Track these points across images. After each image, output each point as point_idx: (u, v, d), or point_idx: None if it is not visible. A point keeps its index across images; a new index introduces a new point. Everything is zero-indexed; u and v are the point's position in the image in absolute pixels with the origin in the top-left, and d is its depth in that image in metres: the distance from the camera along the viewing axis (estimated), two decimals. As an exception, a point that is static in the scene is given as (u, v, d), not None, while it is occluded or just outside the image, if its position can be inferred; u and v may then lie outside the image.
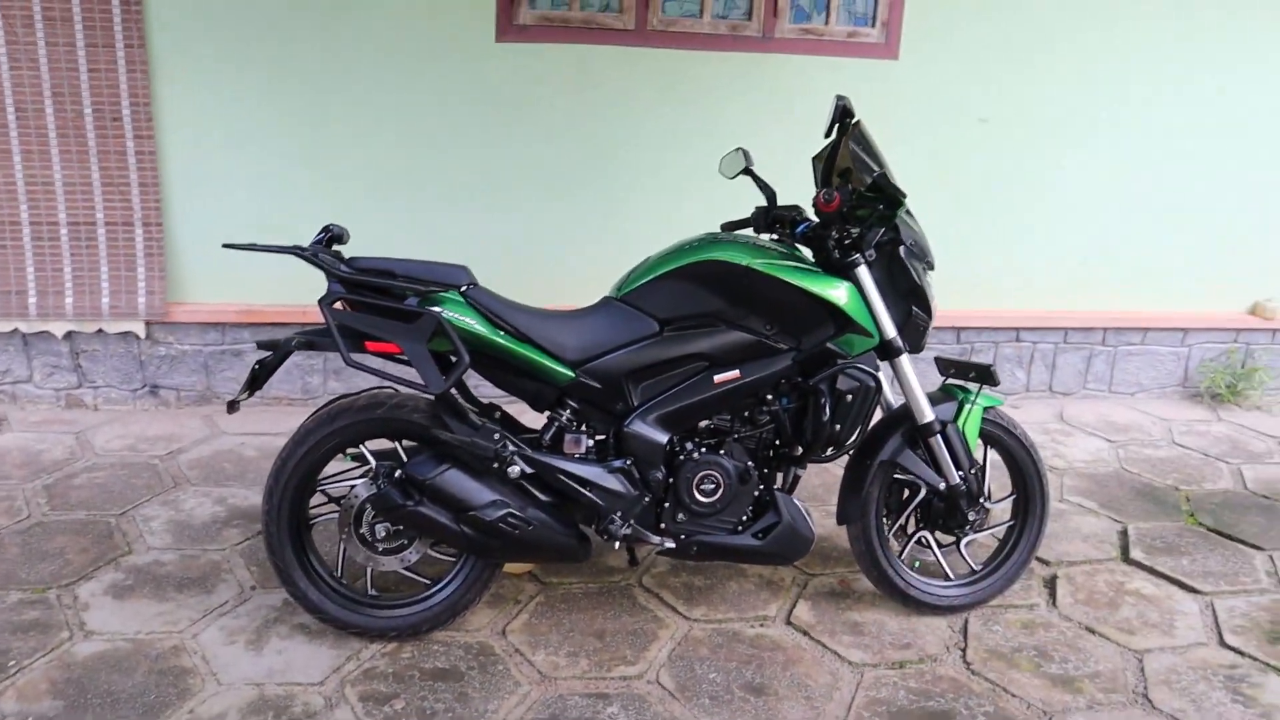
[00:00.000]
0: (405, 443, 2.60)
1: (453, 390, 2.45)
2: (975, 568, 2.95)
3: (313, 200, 4.00)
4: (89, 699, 2.38)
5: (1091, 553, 3.32)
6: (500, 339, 2.46)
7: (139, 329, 4.04)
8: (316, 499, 2.69)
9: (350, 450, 2.60)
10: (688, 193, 4.13)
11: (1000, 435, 2.87)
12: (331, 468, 2.66)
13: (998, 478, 3.00)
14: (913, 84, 4.29)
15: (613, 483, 2.53)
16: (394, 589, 2.78)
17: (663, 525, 2.62)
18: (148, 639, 2.63)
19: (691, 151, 4.09)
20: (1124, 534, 3.45)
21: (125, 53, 3.73)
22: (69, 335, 4.05)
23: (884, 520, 2.85)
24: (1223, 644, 2.80)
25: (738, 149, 2.88)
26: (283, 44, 3.90)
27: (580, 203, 4.21)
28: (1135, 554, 3.30)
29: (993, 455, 2.93)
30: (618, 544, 2.56)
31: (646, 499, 2.57)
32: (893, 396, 2.85)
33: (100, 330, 4.04)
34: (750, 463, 2.63)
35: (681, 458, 2.60)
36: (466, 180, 4.14)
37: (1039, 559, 3.23)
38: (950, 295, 4.50)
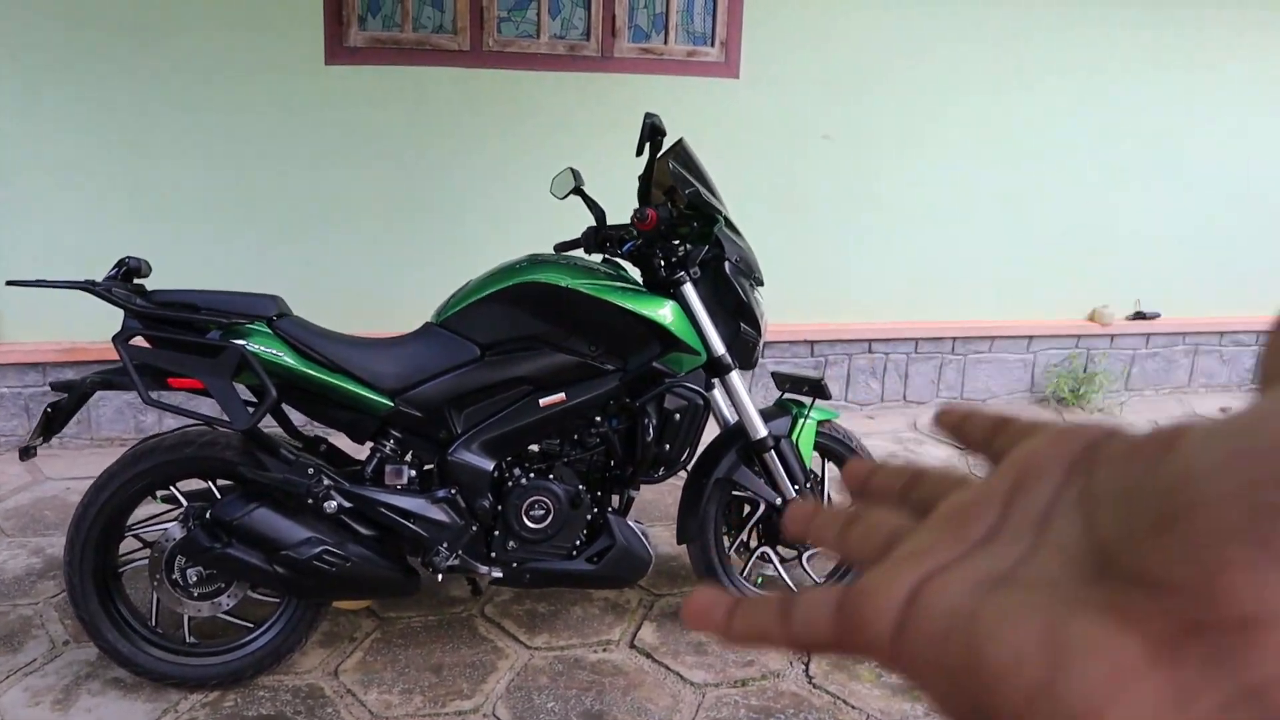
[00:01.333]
0: (221, 481, 2.49)
1: (268, 424, 2.35)
2: (818, 580, 2.97)
3: (139, 230, 3.83)
4: None
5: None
6: (311, 370, 2.37)
7: (-49, 372, 3.80)
8: (131, 544, 2.55)
9: (160, 492, 2.47)
10: (525, 214, 4.09)
11: (837, 448, 2.90)
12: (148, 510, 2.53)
13: (842, 490, 3.03)
14: (754, 102, 4.35)
15: (436, 513, 2.46)
16: (218, 635, 2.65)
17: (493, 554, 2.56)
18: (-59, 705, 2.44)
19: (530, 172, 4.06)
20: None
21: (-77, 81, 3.52)
22: (-128, 382, 3.78)
23: (725, 537, 2.85)
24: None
25: (567, 168, 2.85)
26: (102, 69, 3.73)
27: (415, 226, 4.14)
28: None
29: (831, 468, 2.96)
30: (440, 576, 2.48)
31: (474, 528, 2.51)
32: (728, 413, 2.85)
33: (-92, 375, 3.78)
34: (581, 486, 2.59)
35: (510, 484, 2.55)
36: (297, 206, 4.03)
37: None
38: (801, 309, 4.58)
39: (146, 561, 2.48)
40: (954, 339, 4.87)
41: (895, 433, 4.59)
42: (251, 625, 2.56)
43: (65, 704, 2.47)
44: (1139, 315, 5.14)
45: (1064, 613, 0.24)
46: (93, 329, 3.88)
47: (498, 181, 4.17)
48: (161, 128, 3.83)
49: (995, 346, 4.95)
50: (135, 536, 2.54)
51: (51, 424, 2.37)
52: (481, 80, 4.04)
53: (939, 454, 4.34)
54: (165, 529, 2.46)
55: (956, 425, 0.35)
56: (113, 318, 2.23)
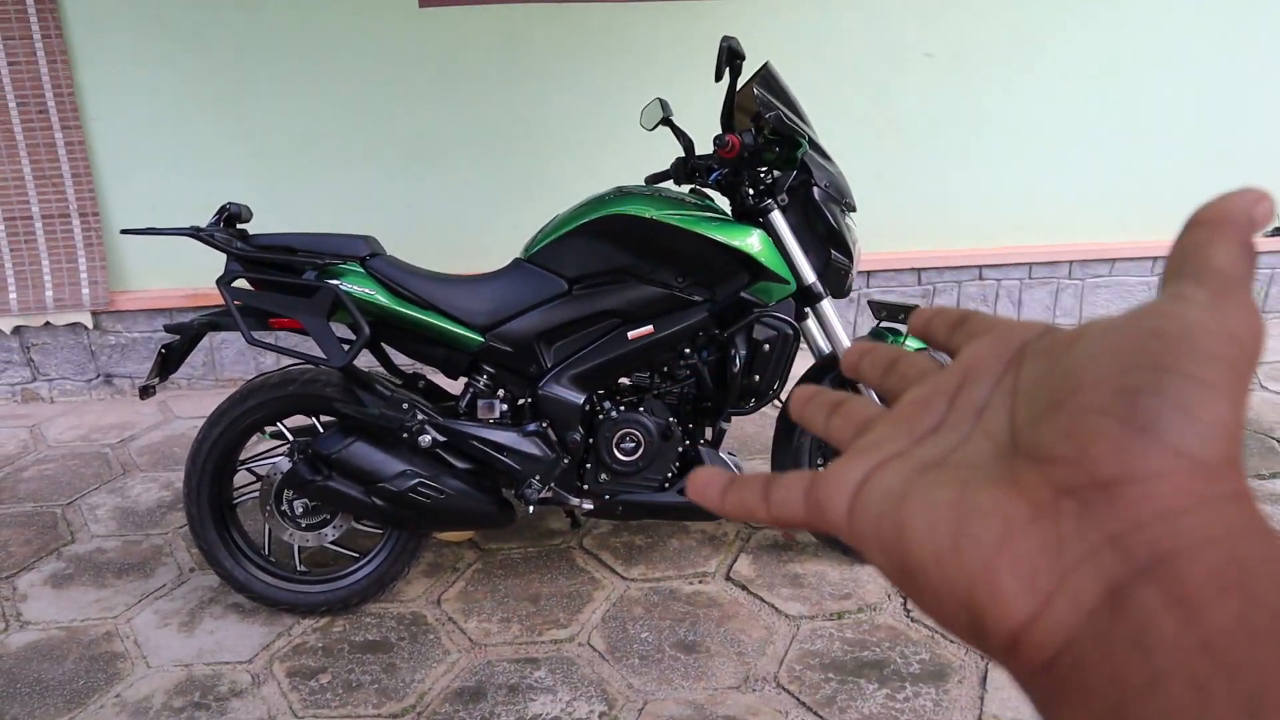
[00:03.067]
0: (325, 417, 2.58)
1: (371, 361, 2.42)
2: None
3: (245, 174, 3.96)
4: (18, 688, 2.39)
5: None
6: (403, 308, 2.42)
7: (86, 320, 4.03)
8: (246, 478, 2.68)
9: (269, 429, 2.58)
10: (615, 150, 4.06)
11: (934, 376, 2.81)
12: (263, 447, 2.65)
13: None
14: (853, 21, 4.18)
15: (528, 446, 2.49)
16: (327, 564, 2.77)
17: (585, 487, 2.59)
18: (82, 626, 2.64)
19: (622, 106, 4.01)
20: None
21: (43, 43, 3.69)
22: (17, 330, 4.04)
23: (820, 468, 2.81)
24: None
25: (656, 99, 2.81)
26: (204, 19, 3.84)
27: (507, 164, 4.15)
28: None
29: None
30: (532, 508, 2.53)
31: (566, 461, 2.54)
32: (823, 343, 2.80)
33: (48, 323, 4.03)
34: (671, 418, 2.58)
35: (600, 417, 2.57)
36: (393, 147, 4.09)
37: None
38: (909, 235, 4.44)
39: (258, 494, 2.60)
40: (1071, 262, 4.64)
41: (1007, 362, 4.43)
42: (357, 555, 2.67)
43: (190, 626, 2.63)
44: (1277, 231, 4.79)
45: (972, 486, 0.28)
46: (211, 275, 4.05)
47: (589, 117, 4.14)
48: (261, 75, 3.93)
49: (1116, 269, 4.70)
50: (248, 470, 2.67)
51: (167, 364, 2.49)
52: (572, 16, 3.99)
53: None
54: (274, 463, 2.58)
55: (924, 326, 0.40)
56: (223, 265, 2.35)
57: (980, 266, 4.56)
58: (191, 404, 4.08)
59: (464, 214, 4.17)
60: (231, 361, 4.19)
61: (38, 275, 3.94)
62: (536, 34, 4.01)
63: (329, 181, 4.07)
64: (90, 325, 4.05)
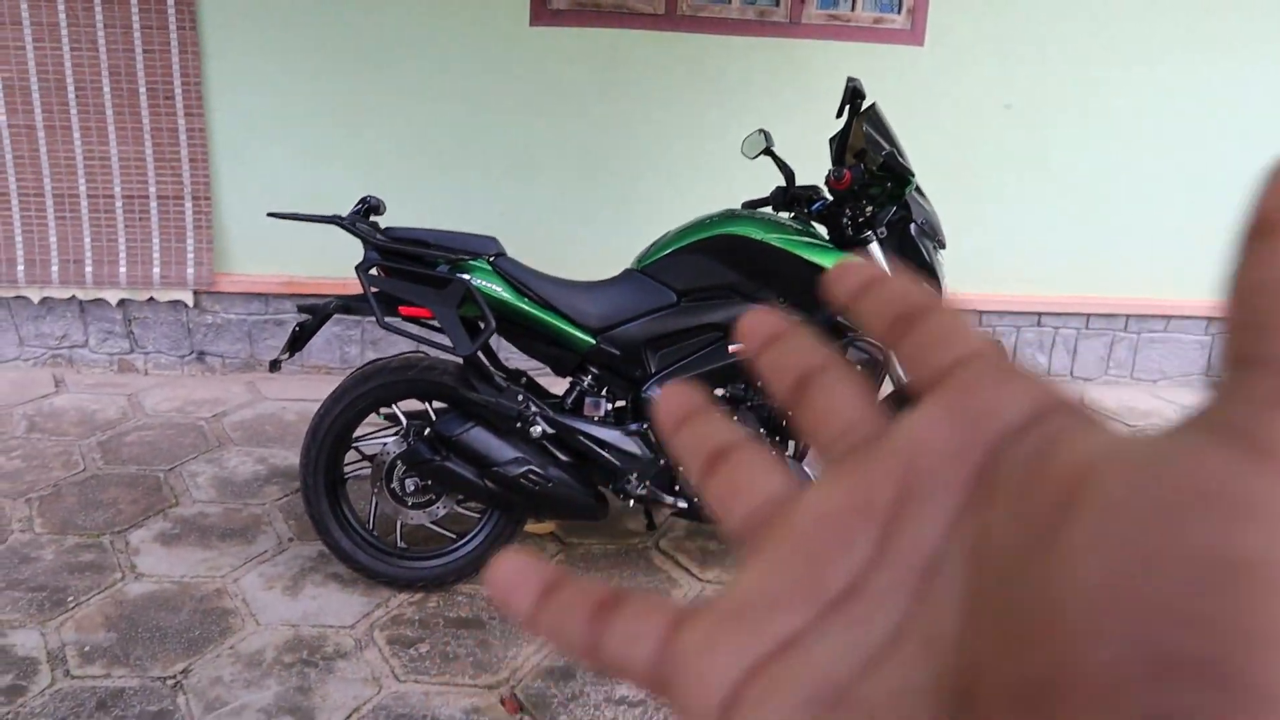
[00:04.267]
0: (435, 404, 2.75)
1: (480, 355, 2.60)
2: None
3: (352, 175, 4.16)
4: (139, 632, 2.56)
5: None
6: (525, 306, 2.60)
7: (188, 298, 4.24)
8: (351, 456, 2.85)
9: (383, 410, 2.76)
10: (710, 173, 4.24)
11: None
12: (366, 430, 2.82)
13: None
14: (937, 70, 4.36)
15: (630, 445, 2.66)
16: (422, 543, 2.94)
17: (677, 487, 2.75)
18: (193, 582, 2.81)
19: (716, 134, 4.20)
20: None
21: (178, 34, 3.92)
22: (122, 303, 4.26)
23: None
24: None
25: (759, 130, 2.99)
26: (327, 25, 4.07)
27: (607, 181, 4.35)
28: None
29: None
30: (632, 503, 2.69)
31: (663, 462, 2.70)
32: (903, 373, 2.94)
33: (151, 299, 4.24)
34: (762, 429, 2.74)
35: (696, 423, 2.72)
36: (500, 157, 4.29)
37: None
38: (972, 279, 4.58)
39: (369, 471, 2.78)
40: (1128, 316, 4.78)
41: (1061, 407, 4.56)
42: (454, 536, 2.83)
43: (294, 590, 2.80)
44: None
45: None
46: (306, 265, 4.26)
47: (682, 141, 4.33)
48: (375, 79, 4.15)
49: (1171, 326, 4.83)
50: (355, 449, 2.84)
51: (298, 341, 2.67)
52: (673, 43, 4.19)
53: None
54: (384, 443, 2.75)
55: (853, 294, 0.26)
56: (324, 256, 2.53)
57: (1039, 314, 4.71)
58: (278, 386, 4.27)
59: (554, 225, 4.36)
60: (319, 350, 4.38)
61: (147, 252, 4.15)
62: (636, 57, 4.21)
63: (430, 184, 4.28)
64: (190, 304, 4.26)
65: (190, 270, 4.18)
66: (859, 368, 2.61)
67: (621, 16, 4.14)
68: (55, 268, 4.13)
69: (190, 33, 3.93)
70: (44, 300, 4.22)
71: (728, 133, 3.99)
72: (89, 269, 4.14)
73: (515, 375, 2.88)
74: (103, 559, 2.90)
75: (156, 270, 4.16)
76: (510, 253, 2.69)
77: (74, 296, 4.21)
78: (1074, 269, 4.73)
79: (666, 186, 4.36)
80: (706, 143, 4.28)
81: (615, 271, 2.79)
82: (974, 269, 4.57)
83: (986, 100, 4.45)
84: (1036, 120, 4.49)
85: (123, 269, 4.15)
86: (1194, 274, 4.80)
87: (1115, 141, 4.56)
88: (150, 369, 4.39)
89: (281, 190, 4.17)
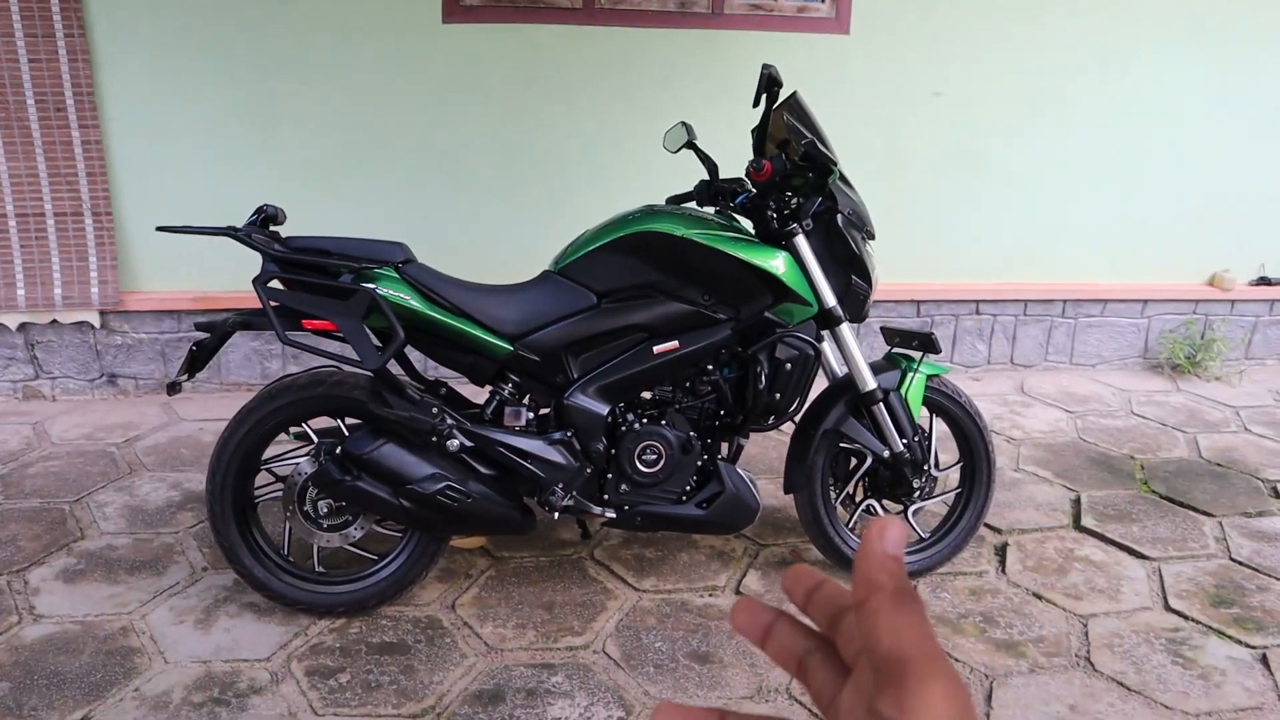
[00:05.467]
0: (349, 420, 2.61)
1: (391, 367, 2.47)
2: (923, 535, 2.97)
3: (262, 184, 3.99)
4: (35, 680, 2.39)
5: (1043, 520, 3.35)
6: (436, 314, 2.47)
7: (93, 319, 4.03)
8: (264, 478, 2.70)
9: (293, 429, 2.61)
10: (636, 170, 4.14)
11: (945, 403, 2.89)
12: (280, 449, 2.67)
13: (948, 447, 3.03)
14: (864, 59, 4.30)
15: (553, 454, 2.54)
16: (343, 565, 2.79)
17: (605, 496, 2.64)
18: (96, 621, 2.64)
19: (639, 129, 4.10)
20: (1076, 502, 3.48)
21: (65, 42, 3.72)
22: (22, 327, 4.04)
23: (831, 489, 2.87)
24: (1167, 608, 2.83)
25: (680, 123, 2.89)
26: (226, 28, 3.89)
27: (528, 181, 4.22)
28: (1087, 521, 3.33)
29: (940, 425, 2.95)
30: (557, 515, 2.57)
31: (588, 470, 2.59)
32: (837, 366, 2.87)
33: (54, 321, 4.03)
34: (692, 432, 2.64)
35: (623, 429, 2.62)
36: (415, 161, 4.14)
37: (990, 527, 3.26)
38: (909, 268, 4.54)
39: (280, 494, 2.62)
40: (1064, 301, 4.76)
41: (1002, 395, 4.53)
42: (375, 558, 2.69)
43: (207, 623, 2.64)
44: (1263, 281, 4.95)
45: None
46: (220, 279, 4.08)
47: (607, 138, 4.22)
48: (283, 84, 3.98)
49: (1108, 310, 4.83)
50: (268, 470, 2.69)
51: (196, 361, 2.51)
52: (591, 38, 4.08)
53: (1047, 416, 4.27)
54: (297, 464, 2.60)
55: (804, 597, 0.46)
56: (239, 269, 2.38)
57: (978, 301, 4.67)
58: (196, 406, 4.09)
59: (481, 229, 4.23)
60: (238, 366, 4.20)
61: (47, 273, 3.94)
62: (554, 54, 4.09)
63: (348, 193, 4.12)
64: (97, 324, 4.06)
65: (94, 290, 3.97)
66: (789, 363, 2.52)
67: (537, 11, 4.01)
68: (-51, 293, 3.90)
69: (79, 39, 3.73)
70: (-61, 328, 3.99)
71: (652, 127, 3.90)
72: (-14, 293, 3.92)
73: (434, 386, 2.75)
74: (-2, 601, 2.71)
75: (58, 291, 3.96)
76: (431, 258, 2.57)
77: (-31, 323, 3.99)
78: (1010, 256, 4.70)
79: (590, 184, 4.24)
80: (630, 138, 4.17)
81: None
82: (910, 259, 4.53)
83: (916, 89, 4.40)
84: (967, 108, 4.45)
85: (21, 291, 3.94)
86: (1129, 258, 4.81)
87: (1048, 127, 4.54)
88: (58, 394, 4.17)
89: (187, 202, 3.99)
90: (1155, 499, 3.52)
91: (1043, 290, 4.72)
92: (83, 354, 4.12)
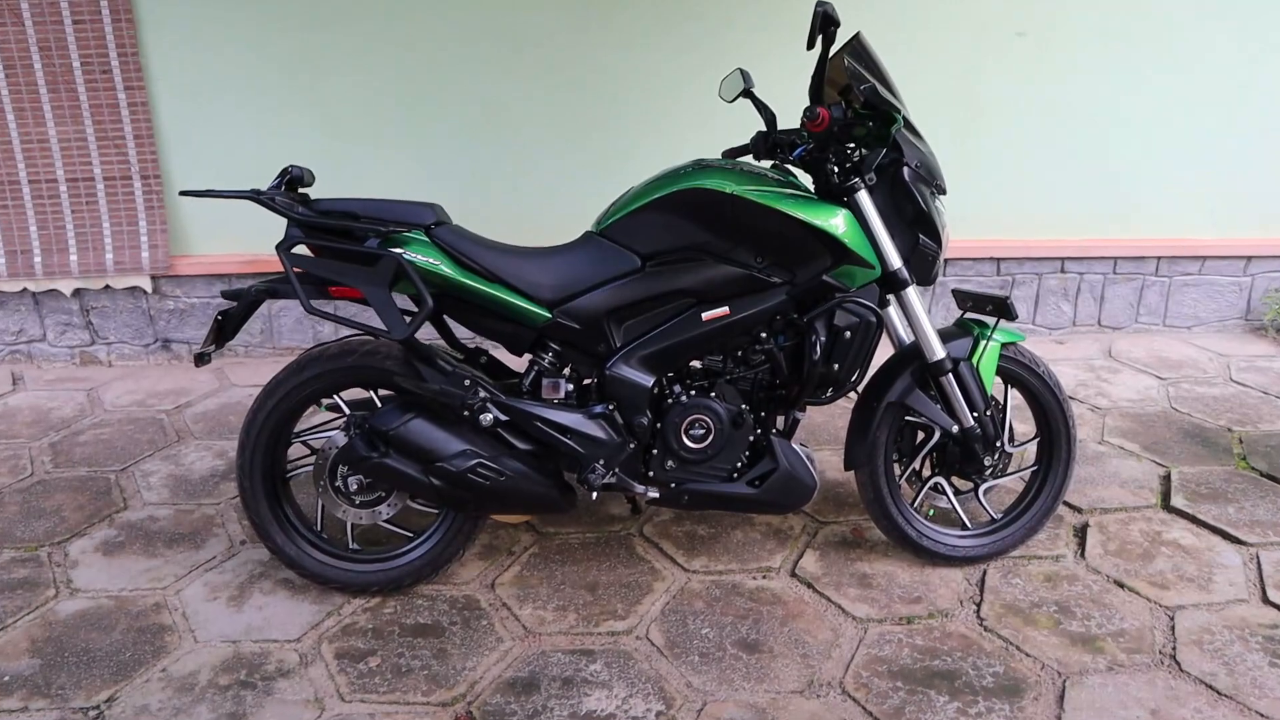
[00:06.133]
0: (384, 391, 2.49)
1: (429, 333, 2.33)
2: (995, 516, 2.75)
3: (309, 140, 3.89)
4: (65, 657, 2.33)
5: (1128, 499, 3.09)
6: (468, 279, 2.32)
7: (145, 284, 3.99)
8: (300, 450, 2.61)
9: (325, 401, 2.50)
10: (696, 123, 3.93)
11: (1022, 374, 2.65)
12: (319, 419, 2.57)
13: (1026, 416, 2.79)
14: (941, -2, 4.00)
15: (593, 429, 2.38)
16: (380, 541, 2.69)
17: (650, 473, 2.48)
18: (131, 596, 2.58)
19: (696, 76, 3.88)
20: (1166, 479, 3.21)
21: (108, 2, 3.63)
22: (77, 293, 4.02)
23: (895, 465, 2.67)
24: (1266, 601, 2.57)
25: (736, 69, 2.67)
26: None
27: (581, 134, 4.03)
28: (1176, 501, 3.07)
29: (1015, 396, 2.72)
30: (595, 495, 2.41)
31: (632, 446, 2.42)
32: (904, 333, 2.65)
33: (107, 286, 4.00)
34: (744, 406, 2.46)
35: (669, 401, 2.45)
36: (467, 116, 3.98)
37: (1070, 506, 3.02)
38: (988, 224, 4.26)
39: (312, 468, 2.52)
40: (1158, 259, 4.42)
41: (1087, 360, 4.23)
42: (411, 535, 2.58)
43: (239, 600, 2.56)
44: None
45: None
46: (270, 241, 3.98)
47: (664, 89, 4.00)
48: (327, 39, 3.85)
49: (1206, 268, 4.47)
50: (303, 443, 2.59)
51: (223, 331, 2.41)
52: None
53: (1136, 384, 3.97)
54: (329, 436, 2.49)
55: None
56: (282, 230, 2.26)
57: (1063, 259, 4.36)
58: (249, 372, 4.03)
59: (532, 184, 4.06)
60: (290, 330, 4.14)
61: (98, 237, 3.91)
62: (615, 2, 3.87)
63: (395, 148, 3.99)
64: (149, 289, 4.02)
65: (145, 254, 3.93)
66: (848, 332, 2.32)
67: (589, -46, 3.80)
68: (2, 260, 3.89)
69: (122, -1, 3.65)
70: (-5, 294, 3.99)
71: (711, 76, 3.69)
72: (37, 259, 3.91)
73: (474, 354, 2.61)
74: (37, 574, 2.67)
75: (110, 256, 3.92)
76: (476, 216, 2.43)
77: (25, 289, 3.98)
78: (1098, 209, 4.37)
79: (646, 138, 4.04)
80: (690, 87, 3.95)
81: (592, 234, 2.50)
82: (988, 214, 4.24)
83: (996, 28, 4.07)
84: (1052, 49, 4.12)
85: (73, 257, 3.91)
86: (1231, 210, 4.44)
87: (1141, 67, 4.18)
88: (114, 360, 4.16)
89: (236, 164, 3.91)
90: (1255, 477, 3.23)
91: (1134, 246, 4.38)
92: (137, 319, 4.10)
